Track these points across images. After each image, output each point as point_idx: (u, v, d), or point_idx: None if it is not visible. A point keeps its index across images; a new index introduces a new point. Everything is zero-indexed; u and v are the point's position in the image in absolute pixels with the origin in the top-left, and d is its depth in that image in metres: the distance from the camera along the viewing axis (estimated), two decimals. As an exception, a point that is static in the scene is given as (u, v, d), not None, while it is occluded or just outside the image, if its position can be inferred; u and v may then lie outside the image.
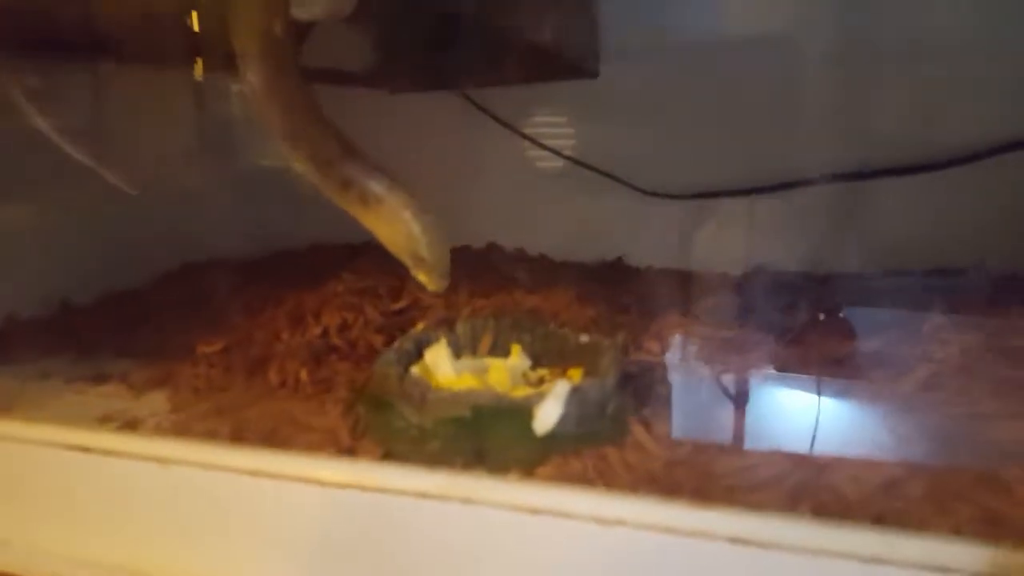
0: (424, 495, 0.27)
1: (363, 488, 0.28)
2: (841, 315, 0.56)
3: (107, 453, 0.31)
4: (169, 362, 0.52)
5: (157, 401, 0.48)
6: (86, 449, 0.31)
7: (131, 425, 0.44)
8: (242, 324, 0.56)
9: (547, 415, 0.32)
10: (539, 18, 0.61)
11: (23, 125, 0.60)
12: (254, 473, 0.29)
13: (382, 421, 0.35)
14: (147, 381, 0.50)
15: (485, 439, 0.33)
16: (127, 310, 0.61)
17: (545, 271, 0.71)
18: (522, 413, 0.33)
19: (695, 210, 0.73)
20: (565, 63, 0.67)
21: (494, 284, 0.62)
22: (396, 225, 0.35)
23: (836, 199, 0.68)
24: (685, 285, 0.69)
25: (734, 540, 0.26)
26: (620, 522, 0.26)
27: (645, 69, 0.72)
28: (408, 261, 0.37)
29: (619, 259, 0.76)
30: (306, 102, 0.33)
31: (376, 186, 0.35)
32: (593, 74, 0.71)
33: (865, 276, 0.66)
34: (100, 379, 0.52)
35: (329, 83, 0.59)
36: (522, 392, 0.38)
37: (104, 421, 0.45)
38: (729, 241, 0.73)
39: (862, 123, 0.66)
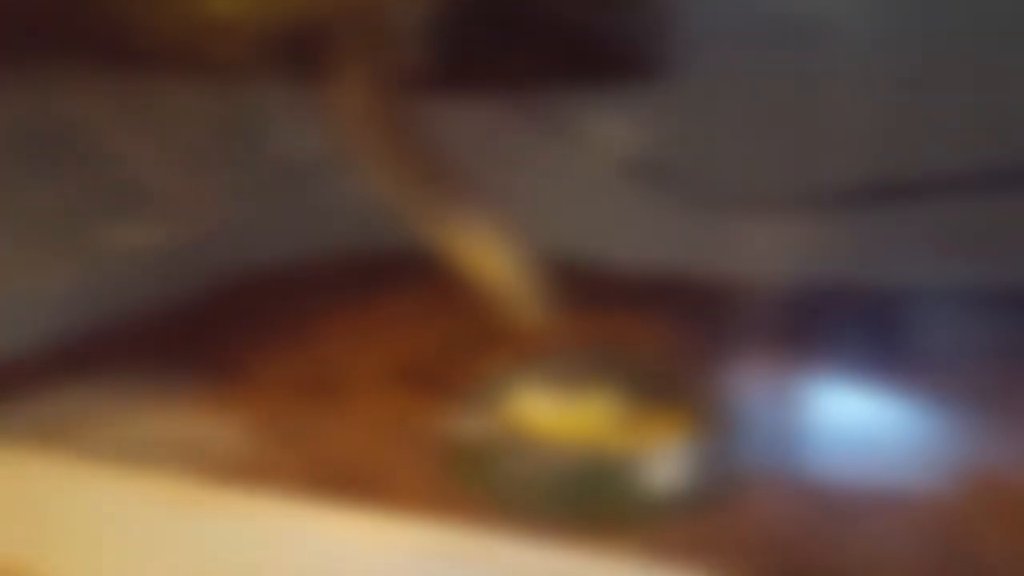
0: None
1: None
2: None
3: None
4: (222, 382, 0.50)
5: (221, 423, 0.46)
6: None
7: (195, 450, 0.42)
8: (298, 340, 0.54)
9: (666, 473, 0.29)
10: (601, 8, 0.58)
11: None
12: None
13: (478, 472, 0.33)
14: (211, 401, 0.48)
15: (596, 498, 0.30)
16: (178, 327, 0.59)
17: (607, 286, 0.68)
18: (638, 470, 0.30)
19: (751, 218, 0.70)
20: (630, 58, 0.64)
21: (559, 304, 0.59)
22: (482, 252, 0.32)
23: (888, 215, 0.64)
24: (765, 304, 0.65)
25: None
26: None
27: (720, 63, 0.68)
28: (494, 291, 0.34)
29: (691, 273, 0.73)
30: (400, 117, 0.30)
31: (467, 210, 0.32)
32: (661, 71, 0.67)
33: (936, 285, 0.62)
34: (151, 397, 0.49)
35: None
36: (625, 440, 0.35)
37: (162, 445, 0.43)
38: (787, 251, 0.70)
39: (938, 129, 0.62)
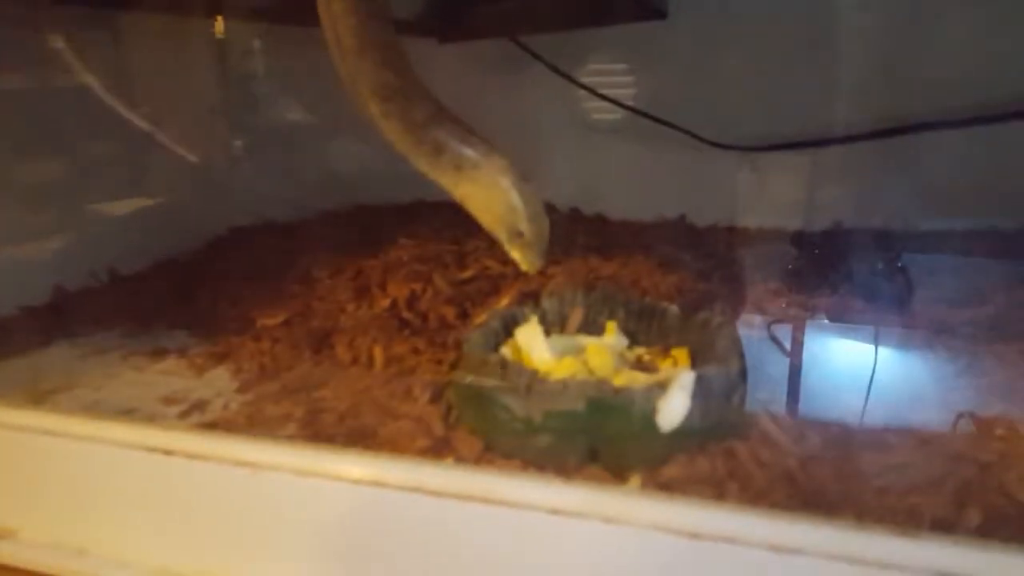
0: (557, 511, 0.24)
1: (488, 501, 0.24)
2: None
3: (192, 456, 0.28)
4: (228, 335, 0.49)
5: (221, 379, 0.45)
6: (168, 452, 0.28)
7: (199, 407, 0.42)
8: (301, 293, 0.53)
9: (673, 409, 0.29)
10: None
11: (61, 85, 0.56)
12: (358, 480, 0.26)
13: (480, 411, 0.32)
14: (208, 357, 0.48)
15: (601, 435, 0.30)
16: (178, 279, 0.59)
17: (608, 232, 0.67)
18: (643, 407, 0.29)
19: (757, 162, 0.69)
20: (633, 4, 0.62)
21: (561, 248, 0.58)
22: (493, 194, 0.32)
23: (910, 150, 0.63)
24: (761, 245, 0.65)
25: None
26: (798, 551, 0.22)
27: (715, 9, 0.66)
28: (502, 235, 0.33)
29: (682, 217, 0.72)
30: (399, 60, 0.29)
31: (472, 151, 0.31)
32: (662, 15, 0.65)
33: (943, 233, 0.62)
34: (158, 354, 0.49)
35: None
36: (626, 377, 0.34)
37: (169, 402, 0.43)
38: (795, 195, 0.69)
39: (945, 68, 0.61)
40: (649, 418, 0.29)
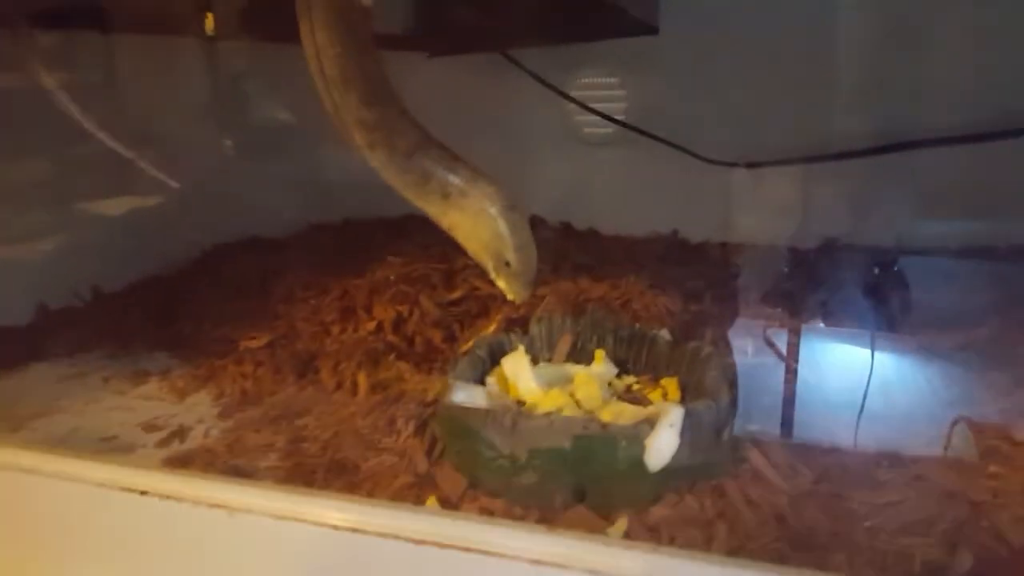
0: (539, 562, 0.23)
1: (468, 549, 0.24)
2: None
3: (167, 497, 0.27)
4: (211, 357, 0.48)
5: (202, 404, 0.45)
6: (144, 492, 0.27)
7: (179, 434, 0.41)
8: (285, 314, 0.52)
9: (662, 448, 0.28)
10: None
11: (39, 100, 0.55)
12: (336, 526, 0.25)
13: (464, 447, 0.31)
14: (190, 380, 0.47)
15: (587, 473, 0.29)
16: (161, 297, 0.58)
17: (599, 249, 0.67)
18: (631, 444, 0.29)
19: (750, 178, 0.68)
20: (624, 19, 0.61)
21: (550, 267, 0.57)
22: (480, 222, 0.31)
23: (904, 167, 0.63)
24: (754, 261, 0.64)
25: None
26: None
27: (706, 24, 0.66)
28: (489, 264, 0.33)
29: (674, 232, 0.71)
30: (384, 89, 0.29)
31: (459, 179, 0.30)
32: (653, 30, 0.64)
33: (937, 250, 0.61)
34: (140, 377, 0.48)
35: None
36: (614, 409, 0.34)
37: (149, 429, 0.42)
38: (788, 211, 0.68)
39: (939, 84, 0.60)
40: (637, 457, 0.29)
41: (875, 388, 0.41)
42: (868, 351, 0.45)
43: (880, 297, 0.54)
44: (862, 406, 0.39)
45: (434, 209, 0.31)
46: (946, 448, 0.37)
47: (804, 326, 0.48)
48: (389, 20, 0.63)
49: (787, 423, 0.39)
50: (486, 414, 0.30)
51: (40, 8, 0.49)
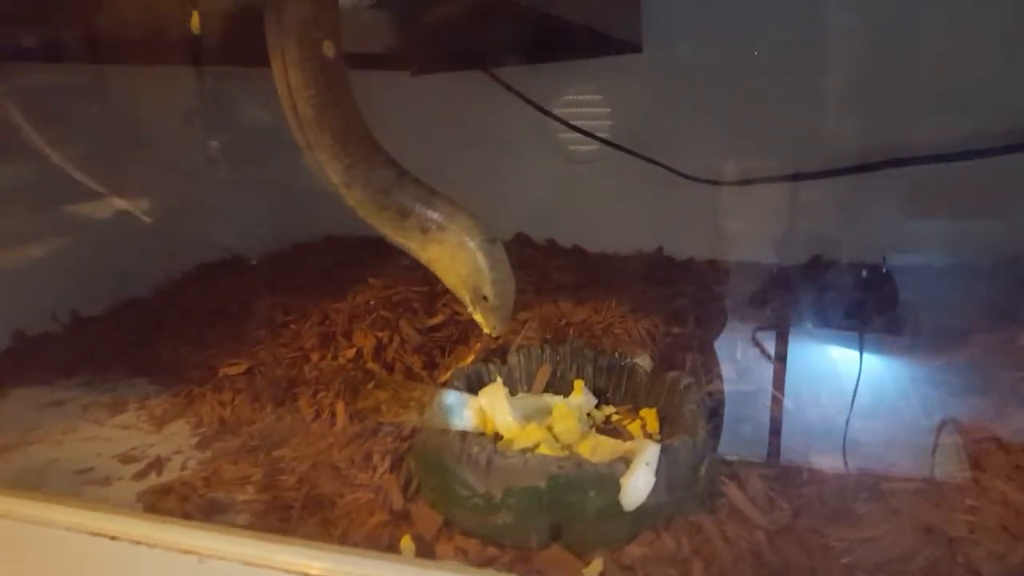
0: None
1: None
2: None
3: (138, 542, 0.27)
4: (189, 384, 0.48)
5: (180, 433, 0.44)
6: (114, 537, 0.27)
7: (156, 466, 0.40)
8: (265, 339, 0.52)
9: (637, 487, 0.28)
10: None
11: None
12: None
13: (439, 484, 0.31)
14: (168, 408, 0.46)
15: (563, 512, 0.29)
16: (141, 321, 0.57)
17: (583, 267, 0.67)
18: (606, 483, 0.28)
19: (735, 196, 0.68)
20: (609, 38, 0.62)
21: (533, 287, 0.57)
22: (459, 255, 0.31)
23: (887, 185, 0.63)
24: (738, 281, 0.64)
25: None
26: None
27: (688, 44, 0.66)
28: (466, 297, 0.32)
29: (659, 250, 0.71)
30: (359, 127, 0.28)
31: (437, 213, 0.30)
32: (637, 49, 0.65)
33: (921, 268, 0.61)
34: (118, 405, 0.48)
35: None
36: (592, 443, 0.34)
37: (126, 460, 0.41)
38: (771, 228, 0.68)
39: (922, 103, 0.61)
40: (612, 496, 0.28)
41: (863, 402, 0.41)
42: (856, 362, 0.45)
43: (865, 312, 0.54)
44: (847, 425, 0.39)
45: (413, 244, 0.31)
46: (935, 451, 0.38)
47: (790, 339, 0.48)
48: (372, 40, 0.63)
49: (771, 446, 0.38)
50: (461, 452, 0.30)
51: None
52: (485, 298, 0.31)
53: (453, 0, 0.52)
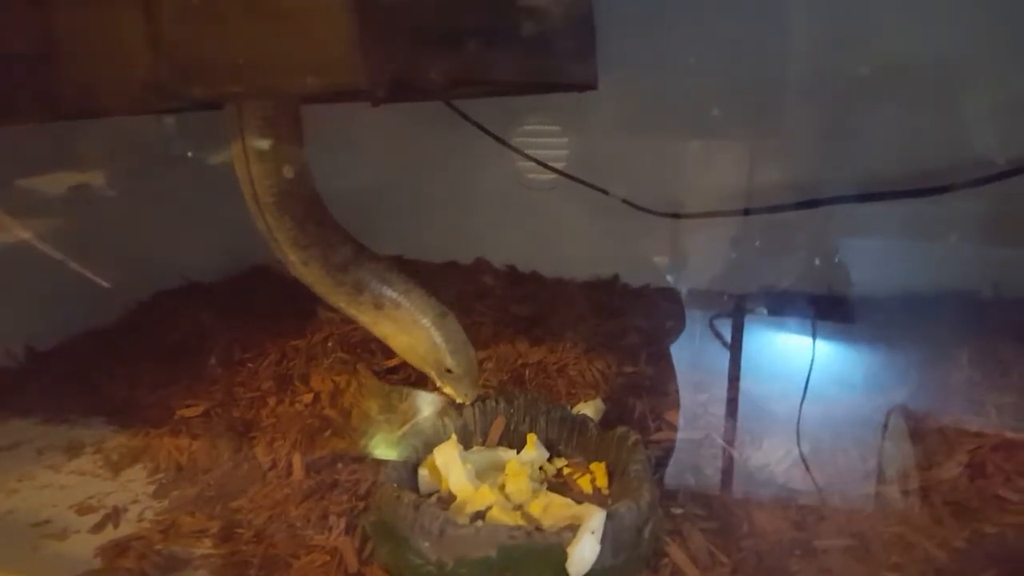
0: None
1: None
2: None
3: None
4: (146, 426, 0.48)
5: (137, 480, 0.44)
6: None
7: (113, 517, 0.41)
8: (222, 378, 0.52)
9: (584, 554, 0.29)
10: (536, 27, 0.56)
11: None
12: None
13: (393, 551, 0.32)
14: (125, 453, 0.47)
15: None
16: (97, 356, 0.57)
17: (541, 295, 0.68)
18: (554, 553, 0.30)
19: (689, 227, 0.70)
20: (565, 74, 0.63)
21: (491, 320, 0.58)
22: (415, 333, 0.32)
23: (838, 218, 0.65)
24: (692, 312, 0.66)
25: None
26: None
27: (642, 81, 0.67)
28: (432, 373, 0.33)
29: (615, 277, 0.73)
30: (318, 209, 0.29)
31: (392, 290, 0.31)
32: (593, 86, 0.66)
33: (873, 298, 0.64)
34: (74, 449, 0.48)
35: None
36: (543, 502, 0.35)
37: (83, 511, 0.42)
38: (724, 260, 0.70)
39: (867, 142, 0.63)
40: (560, 563, 0.30)
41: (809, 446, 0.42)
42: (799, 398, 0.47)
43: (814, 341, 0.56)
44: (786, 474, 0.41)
45: (366, 319, 0.32)
46: (883, 436, 0.40)
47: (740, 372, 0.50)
48: (335, 70, 0.63)
49: (715, 498, 0.40)
50: (414, 521, 0.31)
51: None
52: (449, 371, 0.32)
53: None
